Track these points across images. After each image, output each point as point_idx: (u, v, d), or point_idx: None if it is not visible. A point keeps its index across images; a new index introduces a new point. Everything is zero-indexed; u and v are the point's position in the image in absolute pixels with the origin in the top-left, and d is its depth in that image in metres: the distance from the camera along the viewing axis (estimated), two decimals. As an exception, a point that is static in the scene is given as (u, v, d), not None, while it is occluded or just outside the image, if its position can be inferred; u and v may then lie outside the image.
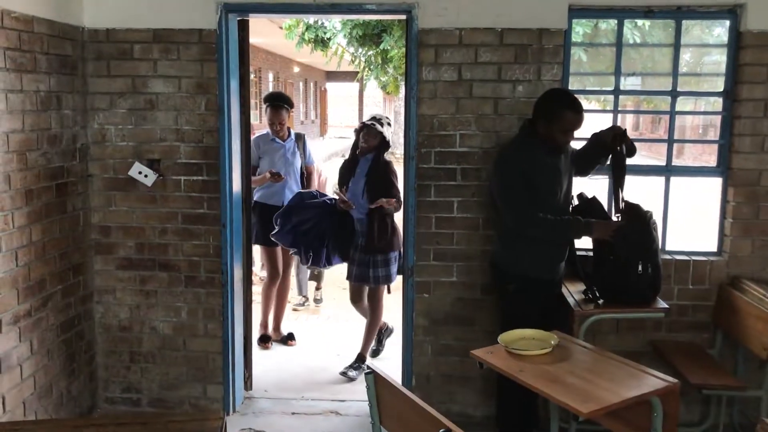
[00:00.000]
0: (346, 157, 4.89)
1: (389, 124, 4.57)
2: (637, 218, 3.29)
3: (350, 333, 5.27)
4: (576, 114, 3.26)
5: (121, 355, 4.03)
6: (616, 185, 3.35)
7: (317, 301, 6.59)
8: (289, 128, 5.26)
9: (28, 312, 3.30)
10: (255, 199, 4.97)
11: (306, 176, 5.35)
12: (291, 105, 5.21)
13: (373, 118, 4.54)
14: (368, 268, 4.56)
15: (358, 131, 4.62)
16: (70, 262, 3.69)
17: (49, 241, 3.47)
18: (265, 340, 5.20)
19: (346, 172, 4.68)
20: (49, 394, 3.50)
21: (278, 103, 5.09)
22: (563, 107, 3.26)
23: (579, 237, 3.39)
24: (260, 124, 15.97)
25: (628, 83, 11.88)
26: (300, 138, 5.37)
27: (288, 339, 5.29)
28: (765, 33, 3.60)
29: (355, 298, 4.83)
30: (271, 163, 5.08)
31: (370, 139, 4.47)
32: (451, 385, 3.96)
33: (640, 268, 3.23)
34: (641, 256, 3.24)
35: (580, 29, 8.39)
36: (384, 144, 4.52)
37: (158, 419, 2.29)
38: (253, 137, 4.95)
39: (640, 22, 7.83)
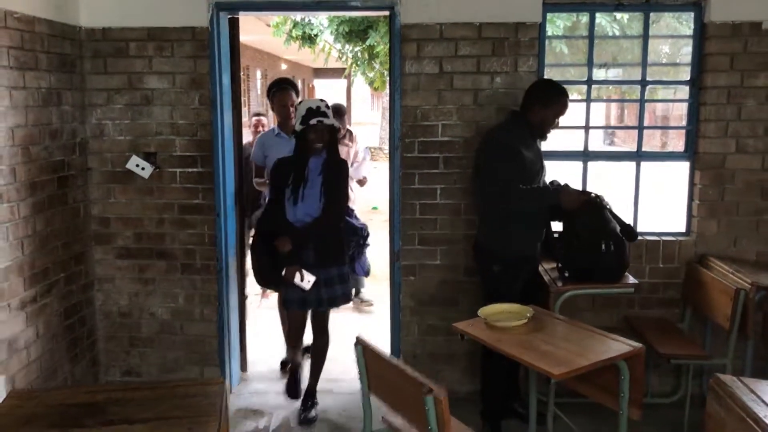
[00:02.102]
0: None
1: (328, 107, 3.83)
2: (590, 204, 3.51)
3: (342, 317, 5.41)
4: (567, 100, 3.58)
5: (121, 340, 4.21)
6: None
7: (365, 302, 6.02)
8: None
9: (34, 298, 3.47)
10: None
11: None
12: (297, 89, 4.77)
13: (316, 112, 3.71)
14: (320, 287, 3.81)
15: (305, 132, 3.76)
16: (72, 251, 3.86)
17: (52, 232, 3.64)
18: (285, 365, 4.65)
19: (293, 173, 3.82)
20: (54, 376, 3.67)
21: (285, 85, 4.65)
22: (561, 94, 3.55)
23: (552, 202, 3.50)
24: (248, 120, 16.08)
25: (610, 74, 12.14)
26: None
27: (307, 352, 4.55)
28: (727, 24, 3.82)
29: (300, 330, 4.13)
30: (273, 161, 4.34)
31: (323, 135, 3.75)
32: (437, 363, 4.16)
33: (603, 246, 3.43)
34: (601, 235, 3.44)
35: (561, 23, 8.64)
36: (334, 133, 3.86)
37: (164, 384, 2.48)
38: (257, 137, 4.87)
39: (618, 15, 8.08)
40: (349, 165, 5.17)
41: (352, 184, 5.41)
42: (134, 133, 4.02)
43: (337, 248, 3.90)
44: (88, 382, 4.04)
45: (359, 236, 4.34)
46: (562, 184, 3.73)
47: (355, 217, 4.45)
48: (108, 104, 4.00)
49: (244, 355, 4.50)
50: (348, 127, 5.64)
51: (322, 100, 3.80)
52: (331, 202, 3.78)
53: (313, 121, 3.68)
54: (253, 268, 4.19)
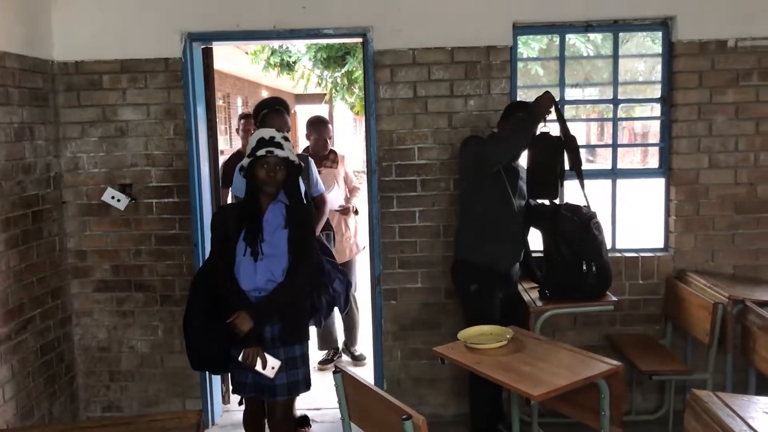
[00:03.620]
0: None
1: (286, 138, 3.01)
2: (576, 215, 3.50)
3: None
4: None
5: (101, 374, 4.15)
6: (576, 169, 3.56)
7: (357, 358, 5.20)
8: None
9: (9, 336, 3.42)
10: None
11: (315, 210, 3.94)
12: (288, 110, 4.00)
13: (268, 142, 2.92)
14: (281, 370, 2.98)
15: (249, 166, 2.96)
16: (48, 286, 3.82)
17: (27, 267, 3.60)
18: None
19: (245, 225, 2.98)
20: (31, 415, 3.61)
21: (279, 107, 3.88)
22: (518, 107, 3.62)
23: (532, 126, 3.47)
24: (231, 148, 16.11)
25: (586, 93, 12.31)
26: (302, 159, 3.82)
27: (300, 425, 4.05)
28: (694, 42, 3.88)
29: (260, 423, 3.31)
30: None
31: (275, 172, 2.92)
32: (421, 387, 4.13)
33: (584, 267, 3.43)
34: (584, 255, 3.45)
35: (536, 45, 8.74)
36: (295, 171, 3.02)
37: (140, 419, 2.45)
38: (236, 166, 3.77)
39: (592, 36, 8.19)
40: (339, 189, 4.93)
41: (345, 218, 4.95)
42: (109, 165, 4.01)
43: (303, 321, 3.16)
44: (67, 419, 3.98)
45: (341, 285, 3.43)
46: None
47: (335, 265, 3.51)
48: (82, 137, 3.98)
49: (227, 386, 4.44)
50: (332, 147, 5.01)
51: (279, 130, 3.06)
52: (300, 261, 2.98)
53: (261, 152, 2.88)
54: (188, 347, 3.14)
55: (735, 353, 3.53)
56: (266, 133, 2.98)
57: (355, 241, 5.06)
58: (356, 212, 5.06)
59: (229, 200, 4.44)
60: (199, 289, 3.13)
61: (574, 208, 3.55)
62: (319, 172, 4.26)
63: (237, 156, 4.92)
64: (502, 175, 3.53)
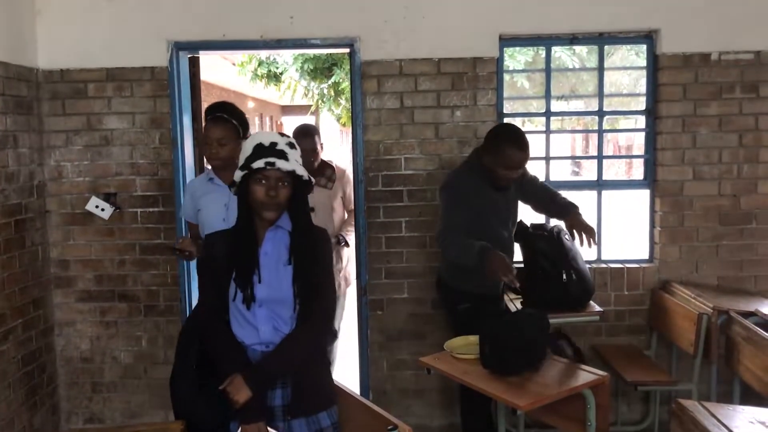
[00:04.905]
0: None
1: (292, 145, 2.31)
2: (545, 230, 3.50)
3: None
4: (519, 152, 3.25)
5: (83, 386, 4.10)
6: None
7: None
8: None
9: (-11, 346, 3.37)
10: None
11: None
12: (242, 121, 3.17)
13: (269, 150, 2.24)
14: None
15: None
16: (30, 295, 3.77)
17: (9, 276, 3.56)
18: None
19: (237, 259, 2.27)
20: (11, 426, 3.55)
21: (220, 114, 3.14)
22: (508, 143, 3.24)
23: (473, 262, 3.13)
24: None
25: (572, 106, 12.38)
26: None
27: None
28: (678, 55, 3.93)
29: None
30: (208, 218, 3.09)
31: (277, 190, 2.24)
32: (407, 398, 4.12)
33: (564, 276, 3.43)
34: (562, 265, 3.44)
35: (522, 57, 8.81)
36: (304, 188, 2.32)
37: (123, 429, 2.41)
38: (188, 185, 3.45)
39: (577, 48, 8.26)
40: (335, 214, 4.19)
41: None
42: (94, 174, 3.98)
43: (323, 382, 2.41)
44: (48, 431, 3.92)
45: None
46: (524, 224, 3.67)
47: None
48: (67, 146, 3.95)
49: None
50: (325, 158, 4.25)
51: (283, 134, 2.34)
52: (313, 304, 2.27)
53: (259, 164, 2.21)
54: (176, 414, 2.63)
55: (719, 363, 3.55)
56: (266, 137, 2.28)
57: (345, 273, 4.44)
58: (346, 244, 4.25)
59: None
60: (189, 342, 2.50)
61: (541, 226, 3.58)
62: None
63: None
64: (486, 211, 3.41)
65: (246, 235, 2.29)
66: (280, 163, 2.21)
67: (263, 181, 2.23)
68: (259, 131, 2.58)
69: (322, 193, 4.06)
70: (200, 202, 3.16)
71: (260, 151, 2.24)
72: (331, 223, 4.14)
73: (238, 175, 2.27)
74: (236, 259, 2.27)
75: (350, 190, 4.23)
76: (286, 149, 2.27)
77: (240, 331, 2.29)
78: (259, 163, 2.21)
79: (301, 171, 2.27)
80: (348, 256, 4.41)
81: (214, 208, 3.07)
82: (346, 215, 4.34)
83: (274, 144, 2.26)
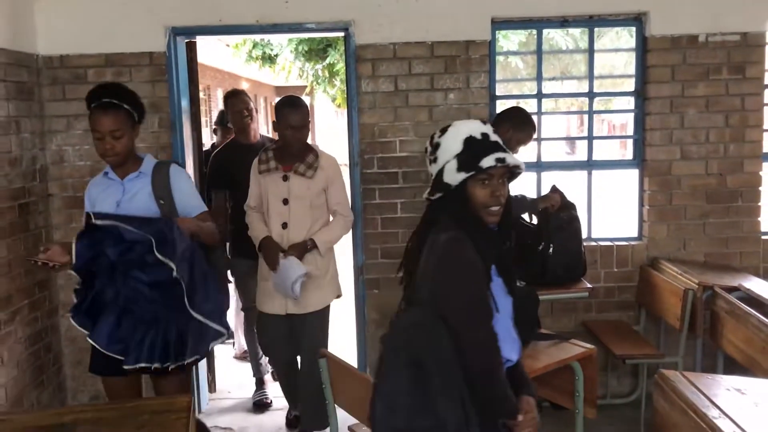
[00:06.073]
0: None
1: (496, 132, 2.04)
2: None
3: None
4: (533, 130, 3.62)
5: (88, 365, 4.18)
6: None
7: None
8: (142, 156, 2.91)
9: (-2, 326, 3.47)
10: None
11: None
12: (136, 104, 2.77)
13: (495, 146, 1.98)
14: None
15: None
16: (35, 278, 3.85)
17: (14, 259, 3.64)
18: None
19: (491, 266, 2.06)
20: (20, 404, 3.66)
21: (107, 99, 2.69)
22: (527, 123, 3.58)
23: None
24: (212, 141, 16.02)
25: (565, 87, 12.45)
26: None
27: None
28: (666, 37, 4.01)
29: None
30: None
31: (503, 188, 2.01)
32: (403, 374, 4.23)
33: (541, 246, 3.52)
34: (540, 237, 3.56)
35: (516, 37, 8.88)
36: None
37: (133, 402, 2.52)
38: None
39: (572, 30, 8.33)
40: (312, 209, 3.46)
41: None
42: (94, 158, 4.02)
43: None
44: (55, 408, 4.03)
45: None
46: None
47: None
48: (68, 130, 4.02)
49: (213, 375, 4.52)
50: (312, 142, 3.76)
51: (484, 122, 2.05)
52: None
53: (489, 162, 1.92)
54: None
55: (704, 337, 3.67)
56: (475, 128, 1.98)
57: (332, 286, 3.65)
58: (308, 248, 3.41)
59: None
60: None
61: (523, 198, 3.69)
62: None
63: (227, 149, 4.38)
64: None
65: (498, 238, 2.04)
66: (509, 159, 1.94)
67: (486, 182, 1.95)
68: (456, 122, 2.07)
69: (300, 182, 3.41)
70: (96, 199, 2.89)
71: (485, 146, 1.94)
72: (307, 219, 3.43)
73: (456, 178, 1.94)
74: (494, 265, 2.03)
75: (338, 187, 3.53)
76: (498, 138, 2.00)
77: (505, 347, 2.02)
78: (489, 161, 1.91)
79: (521, 165, 1.98)
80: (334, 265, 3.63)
81: (105, 207, 2.78)
82: (331, 217, 3.58)
83: (485, 135, 1.96)
